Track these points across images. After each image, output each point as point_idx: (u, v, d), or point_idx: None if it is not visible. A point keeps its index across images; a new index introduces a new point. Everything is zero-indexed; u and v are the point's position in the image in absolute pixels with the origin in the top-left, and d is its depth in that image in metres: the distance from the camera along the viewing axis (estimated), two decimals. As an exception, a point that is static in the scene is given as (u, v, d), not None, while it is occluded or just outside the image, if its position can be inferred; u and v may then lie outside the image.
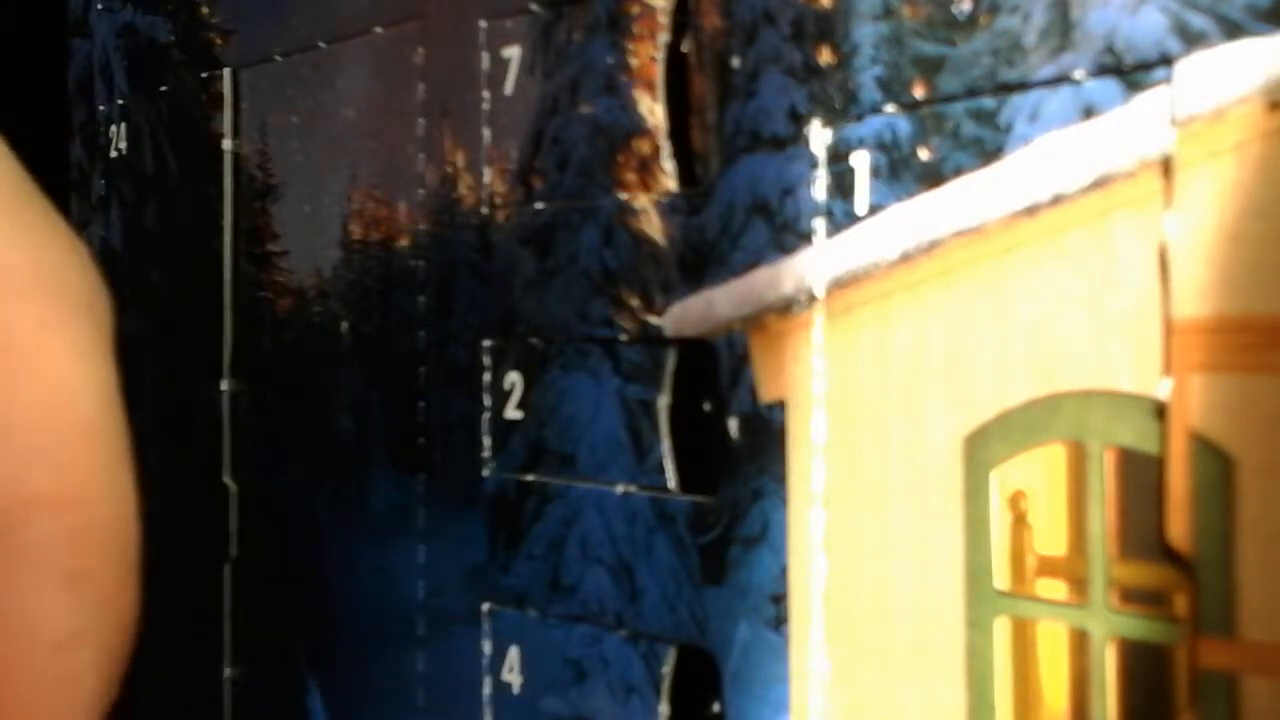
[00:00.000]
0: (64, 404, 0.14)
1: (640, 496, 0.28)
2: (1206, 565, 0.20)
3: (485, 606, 0.32)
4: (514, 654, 0.31)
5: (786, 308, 0.25)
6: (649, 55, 0.28)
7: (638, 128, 0.29)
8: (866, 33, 0.24)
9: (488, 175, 0.32)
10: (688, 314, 0.27)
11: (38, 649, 0.14)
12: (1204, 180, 0.20)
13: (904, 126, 0.24)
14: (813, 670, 0.25)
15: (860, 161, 0.24)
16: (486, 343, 0.32)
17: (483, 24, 0.32)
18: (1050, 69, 0.22)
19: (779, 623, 0.26)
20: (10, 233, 0.15)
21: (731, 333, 0.26)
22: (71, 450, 0.14)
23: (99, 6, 0.46)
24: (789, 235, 0.25)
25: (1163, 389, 0.21)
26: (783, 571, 0.26)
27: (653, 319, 0.28)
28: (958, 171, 0.23)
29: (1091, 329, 0.22)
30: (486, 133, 0.32)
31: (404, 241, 0.34)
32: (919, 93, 0.23)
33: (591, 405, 0.29)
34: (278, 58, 0.38)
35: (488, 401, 0.32)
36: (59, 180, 0.46)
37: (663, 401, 0.28)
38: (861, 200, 0.24)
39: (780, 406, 0.26)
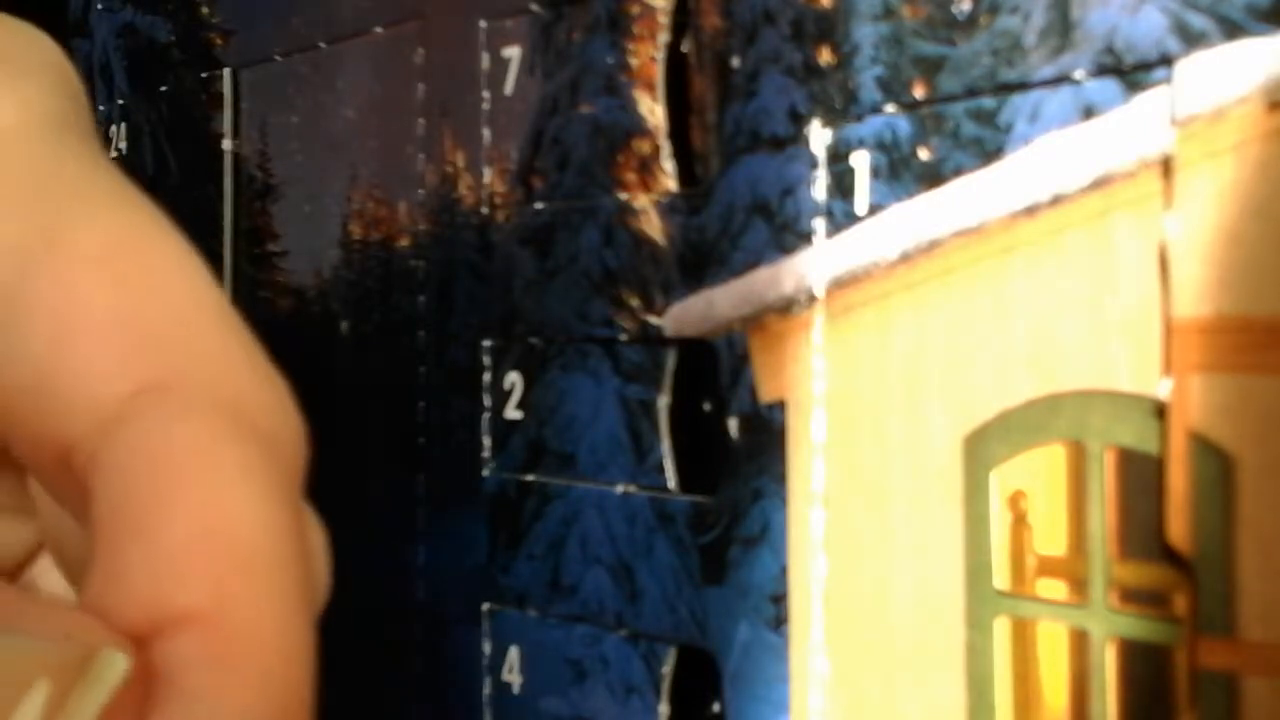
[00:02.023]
0: (225, 526, 0.13)
1: (640, 496, 0.28)
2: (1206, 565, 0.20)
3: (485, 606, 0.32)
4: (514, 654, 0.31)
5: (786, 308, 0.25)
6: (649, 55, 0.28)
7: (638, 128, 0.29)
8: (866, 33, 0.24)
9: (488, 175, 0.32)
10: (688, 314, 0.27)
11: None
12: (1204, 180, 0.20)
13: (904, 126, 0.24)
14: (813, 670, 0.25)
15: (860, 161, 0.24)
16: (486, 343, 0.32)
17: (483, 24, 0.32)
18: (1050, 69, 0.22)
19: (779, 623, 0.26)
20: (189, 351, 0.14)
21: (731, 333, 0.26)
22: (228, 575, 0.13)
23: (99, 6, 0.46)
24: (789, 235, 0.25)
25: (1163, 389, 0.21)
26: (783, 571, 0.26)
27: (653, 319, 0.28)
28: (958, 171, 0.23)
29: (1091, 329, 0.22)
30: (486, 133, 0.32)
31: (404, 241, 0.34)
32: (919, 93, 0.23)
33: (591, 405, 0.29)
34: (278, 58, 0.38)
35: (488, 401, 0.32)
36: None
37: (663, 401, 0.28)
38: (861, 200, 0.24)
39: (780, 406, 0.26)
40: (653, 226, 0.28)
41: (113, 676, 0.13)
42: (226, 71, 0.40)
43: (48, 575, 0.18)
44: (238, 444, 0.13)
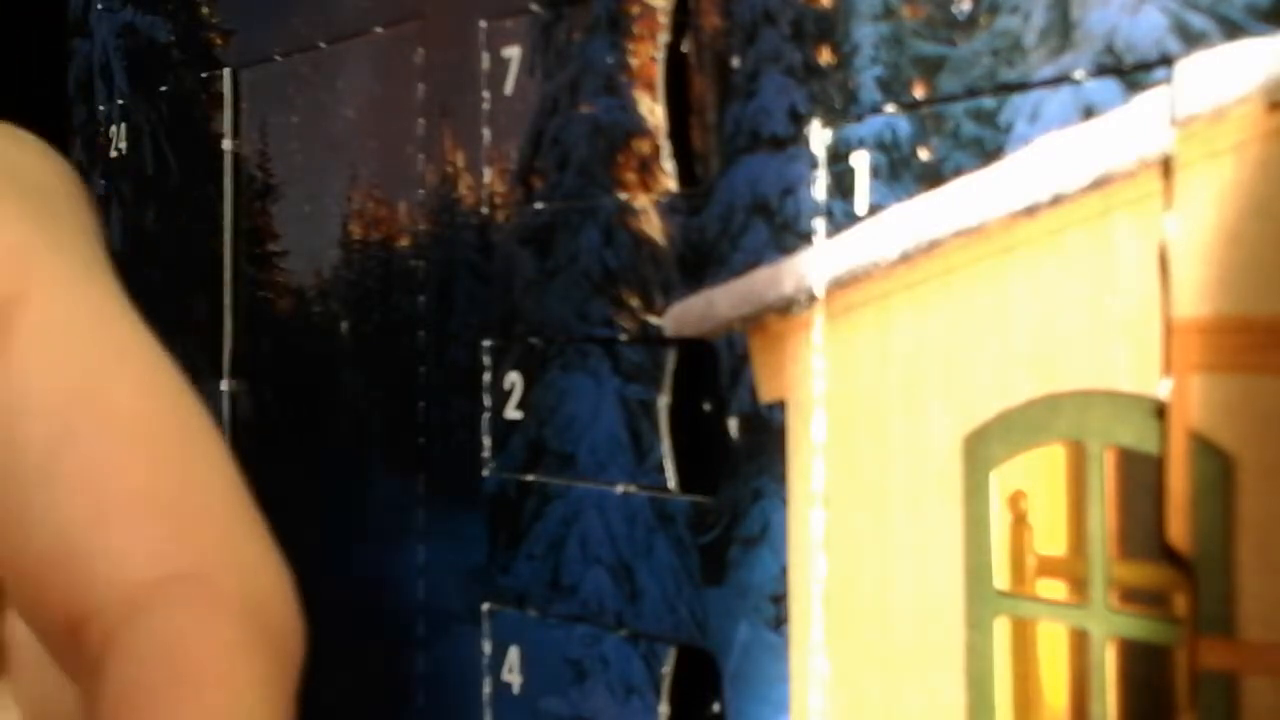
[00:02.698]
0: None
1: (640, 496, 0.28)
2: (1206, 565, 0.20)
3: (485, 606, 0.32)
4: (514, 654, 0.31)
5: (786, 308, 0.25)
6: (649, 55, 0.28)
7: (638, 128, 0.29)
8: (866, 33, 0.24)
9: (488, 175, 0.32)
10: (688, 314, 0.27)
11: None
12: (1204, 180, 0.20)
13: (904, 126, 0.24)
14: (813, 670, 0.25)
15: (860, 161, 0.24)
16: (486, 343, 0.32)
17: (483, 24, 0.32)
18: (1050, 69, 0.22)
19: (779, 623, 0.26)
20: (217, 539, 0.14)
21: (731, 333, 0.26)
22: None
23: (99, 6, 0.46)
24: (789, 235, 0.25)
25: (1163, 389, 0.21)
26: (783, 571, 0.26)
27: (653, 319, 0.28)
28: (958, 171, 0.23)
29: (1091, 329, 0.22)
30: (486, 133, 0.32)
31: (404, 241, 0.34)
32: (919, 93, 0.23)
33: (591, 405, 0.29)
34: (278, 58, 0.38)
35: (488, 401, 0.32)
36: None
37: (663, 401, 0.28)
38: (861, 200, 0.24)
39: (780, 406, 0.26)
40: (653, 226, 0.28)
41: None
42: (226, 71, 0.40)
43: None
44: (256, 653, 0.13)
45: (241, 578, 0.14)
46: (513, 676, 0.31)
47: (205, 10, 0.41)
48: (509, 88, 0.31)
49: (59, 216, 0.16)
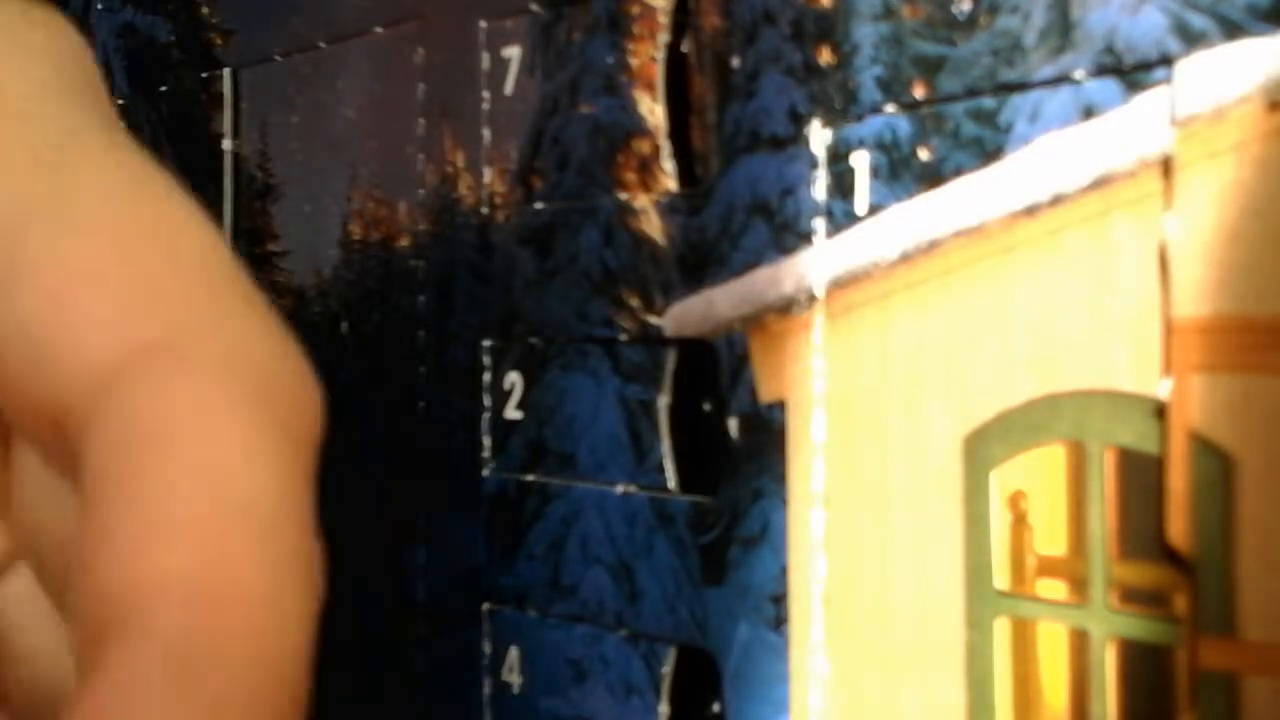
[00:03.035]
0: (218, 488, 0.12)
1: (640, 496, 0.28)
2: (1206, 565, 0.20)
3: (485, 606, 0.32)
4: (514, 654, 0.31)
5: (786, 308, 0.25)
6: (649, 55, 0.28)
7: (638, 128, 0.29)
8: (866, 33, 0.24)
9: (488, 175, 0.32)
10: (688, 314, 0.27)
11: None
12: (1204, 180, 0.20)
13: (904, 126, 0.24)
14: (813, 670, 0.25)
15: (860, 161, 0.24)
16: (486, 343, 0.32)
17: (483, 24, 0.32)
18: (1050, 69, 0.22)
19: (779, 623, 0.26)
20: (192, 310, 0.13)
21: (731, 333, 0.26)
22: (218, 538, 0.12)
23: (99, 6, 0.46)
24: (789, 235, 0.25)
25: (1163, 389, 0.21)
26: (783, 571, 0.26)
27: (653, 319, 0.28)
28: (958, 171, 0.23)
29: (1091, 329, 0.22)
30: (486, 133, 0.32)
31: (404, 241, 0.34)
32: (919, 93, 0.23)
33: (591, 405, 0.29)
34: (278, 58, 0.38)
35: (488, 401, 0.32)
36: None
37: (663, 401, 0.28)
38: (861, 200, 0.24)
39: (780, 406, 0.26)
40: (653, 226, 0.28)
41: None
42: (226, 71, 0.40)
43: (22, 603, 0.16)
44: (240, 404, 0.13)
45: (223, 342, 0.13)
46: (513, 676, 0.31)
47: (205, 10, 0.41)
48: (509, 88, 0.31)
49: (31, 49, 0.15)
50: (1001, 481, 0.23)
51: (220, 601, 0.12)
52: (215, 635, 0.11)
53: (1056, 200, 0.22)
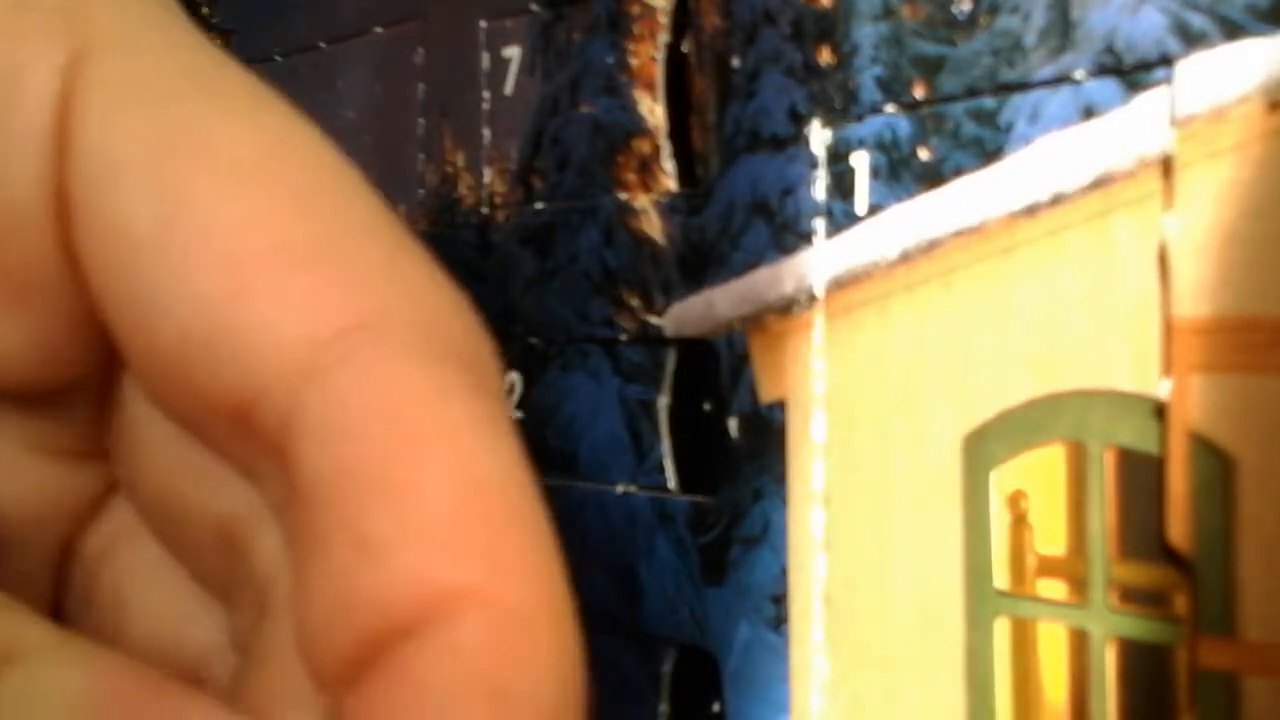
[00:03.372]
0: (481, 486, 0.11)
1: (640, 496, 0.28)
2: (1206, 565, 0.20)
3: (485, 606, 0.32)
4: (514, 654, 0.31)
5: (786, 308, 0.25)
6: (649, 55, 0.28)
7: (638, 128, 0.29)
8: (866, 33, 0.24)
9: (488, 175, 0.32)
10: (688, 314, 0.27)
11: None
12: (1204, 180, 0.20)
13: (904, 126, 0.24)
14: (813, 670, 0.25)
15: (860, 161, 0.24)
16: (486, 343, 0.32)
17: (483, 24, 0.32)
18: (1050, 69, 0.22)
19: (779, 623, 0.26)
20: (385, 279, 0.12)
21: (731, 333, 0.26)
22: (498, 541, 0.11)
23: (99, 6, 0.46)
24: (789, 235, 0.25)
25: (1163, 389, 0.21)
26: (783, 571, 0.26)
27: (653, 319, 0.28)
28: (958, 171, 0.23)
29: (1091, 329, 0.22)
30: (486, 133, 0.32)
31: (404, 241, 0.34)
32: (919, 93, 0.23)
33: (591, 405, 0.29)
34: (278, 58, 0.38)
35: (488, 401, 0.32)
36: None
37: (663, 401, 0.28)
38: (861, 200, 0.24)
39: (780, 406, 0.26)
40: (653, 226, 0.28)
41: None
42: (226, 71, 0.40)
43: (121, 551, 0.15)
44: (468, 392, 0.12)
45: (424, 314, 0.12)
46: (513, 676, 0.31)
47: (205, 10, 0.41)
48: (509, 88, 0.31)
49: None
50: (1001, 481, 0.23)
51: (519, 614, 0.11)
52: (522, 652, 0.11)
53: (1056, 200, 0.22)
